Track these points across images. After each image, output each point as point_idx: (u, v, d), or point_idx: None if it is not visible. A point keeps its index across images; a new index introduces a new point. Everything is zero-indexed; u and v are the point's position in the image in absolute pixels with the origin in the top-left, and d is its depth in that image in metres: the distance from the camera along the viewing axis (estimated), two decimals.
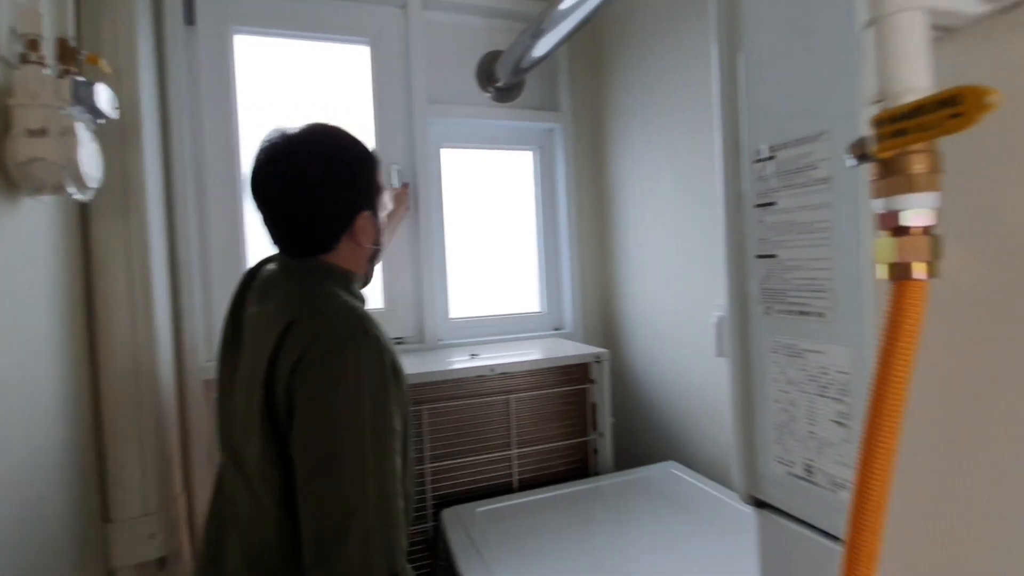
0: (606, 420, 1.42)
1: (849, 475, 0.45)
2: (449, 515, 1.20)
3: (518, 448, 1.37)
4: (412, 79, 1.55)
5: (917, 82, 0.30)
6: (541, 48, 1.37)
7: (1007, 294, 0.32)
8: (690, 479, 1.28)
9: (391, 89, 1.55)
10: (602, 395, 1.42)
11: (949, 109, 0.26)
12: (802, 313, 0.50)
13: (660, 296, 1.51)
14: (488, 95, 1.68)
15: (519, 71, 1.54)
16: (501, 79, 1.62)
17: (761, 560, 0.56)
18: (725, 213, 0.61)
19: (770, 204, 0.54)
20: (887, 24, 0.31)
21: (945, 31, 0.34)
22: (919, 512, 0.38)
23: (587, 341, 1.68)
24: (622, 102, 1.62)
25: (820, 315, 0.48)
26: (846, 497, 0.42)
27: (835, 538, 0.47)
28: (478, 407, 1.34)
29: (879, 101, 0.32)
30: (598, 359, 1.42)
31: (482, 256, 1.72)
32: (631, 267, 1.63)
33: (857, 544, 0.33)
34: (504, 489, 1.34)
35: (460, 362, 1.36)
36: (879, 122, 0.30)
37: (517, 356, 1.40)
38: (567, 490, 1.29)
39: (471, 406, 1.34)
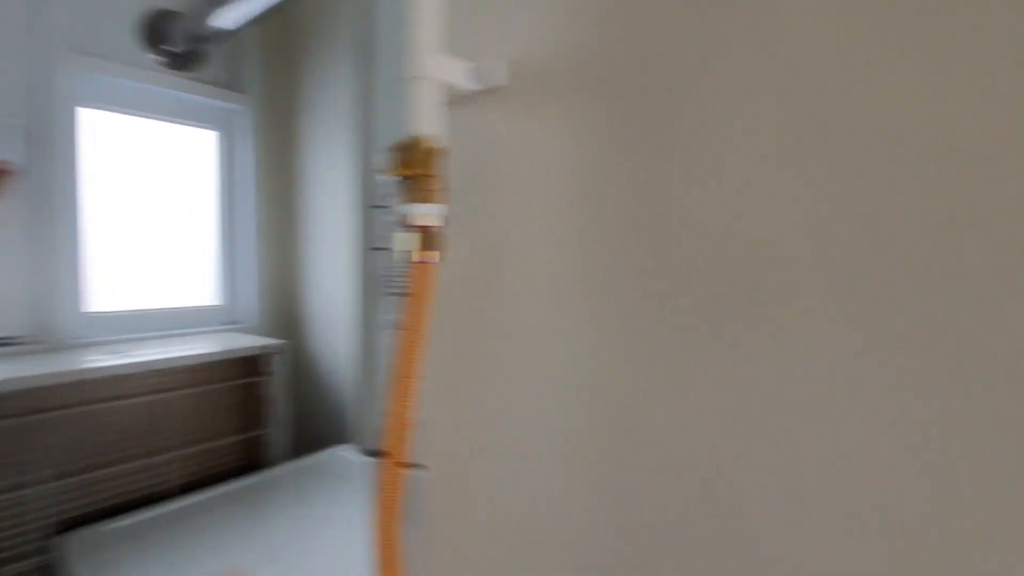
0: (281, 412, 1.42)
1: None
2: (74, 540, 1.03)
3: (182, 450, 1.26)
4: (45, 17, 1.27)
5: (423, 127, 0.44)
6: (223, 20, 1.29)
7: (481, 271, 0.50)
8: (353, 458, 1.38)
9: (8, 24, 1.24)
10: (277, 387, 1.41)
11: (417, 150, 0.40)
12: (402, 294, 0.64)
13: (340, 287, 1.58)
14: (159, 59, 1.49)
15: (197, 39, 1.42)
16: (176, 44, 1.46)
17: (374, 495, 0.68)
18: (362, 213, 0.72)
19: (385, 207, 0.67)
20: (413, 85, 0.45)
21: (457, 97, 0.50)
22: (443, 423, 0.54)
23: (269, 334, 1.64)
24: (314, 97, 1.64)
25: None
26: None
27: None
28: (125, 410, 1.19)
29: (405, 137, 0.45)
30: (272, 351, 1.41)
31: (145, 242, 1.50)
32: (315, 259, 1.66)
33: (391, 451, 0.46)
34: (163, 497, 1.21)
35: (97, 361, 1.17)
36: (394, 151, 0.43)
37: (176, 352, 1.28)
38: (234, 486, 1.25)
39: (116, 409, 1.17)
